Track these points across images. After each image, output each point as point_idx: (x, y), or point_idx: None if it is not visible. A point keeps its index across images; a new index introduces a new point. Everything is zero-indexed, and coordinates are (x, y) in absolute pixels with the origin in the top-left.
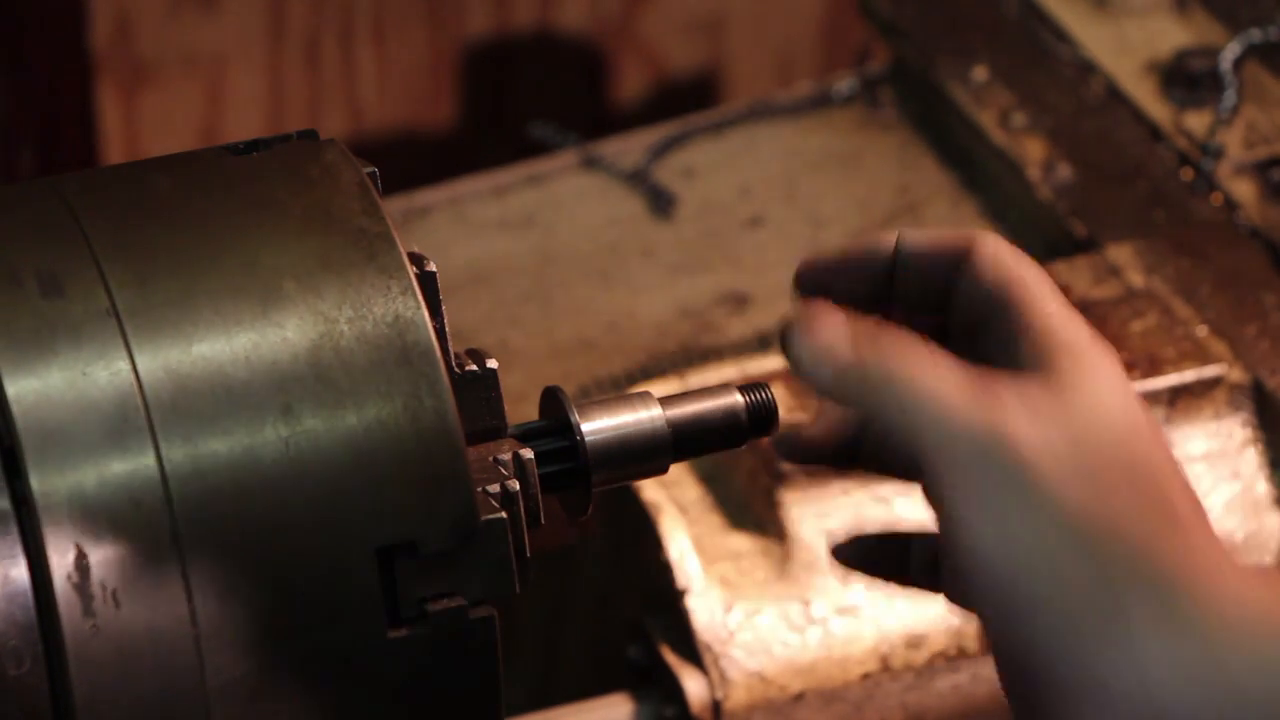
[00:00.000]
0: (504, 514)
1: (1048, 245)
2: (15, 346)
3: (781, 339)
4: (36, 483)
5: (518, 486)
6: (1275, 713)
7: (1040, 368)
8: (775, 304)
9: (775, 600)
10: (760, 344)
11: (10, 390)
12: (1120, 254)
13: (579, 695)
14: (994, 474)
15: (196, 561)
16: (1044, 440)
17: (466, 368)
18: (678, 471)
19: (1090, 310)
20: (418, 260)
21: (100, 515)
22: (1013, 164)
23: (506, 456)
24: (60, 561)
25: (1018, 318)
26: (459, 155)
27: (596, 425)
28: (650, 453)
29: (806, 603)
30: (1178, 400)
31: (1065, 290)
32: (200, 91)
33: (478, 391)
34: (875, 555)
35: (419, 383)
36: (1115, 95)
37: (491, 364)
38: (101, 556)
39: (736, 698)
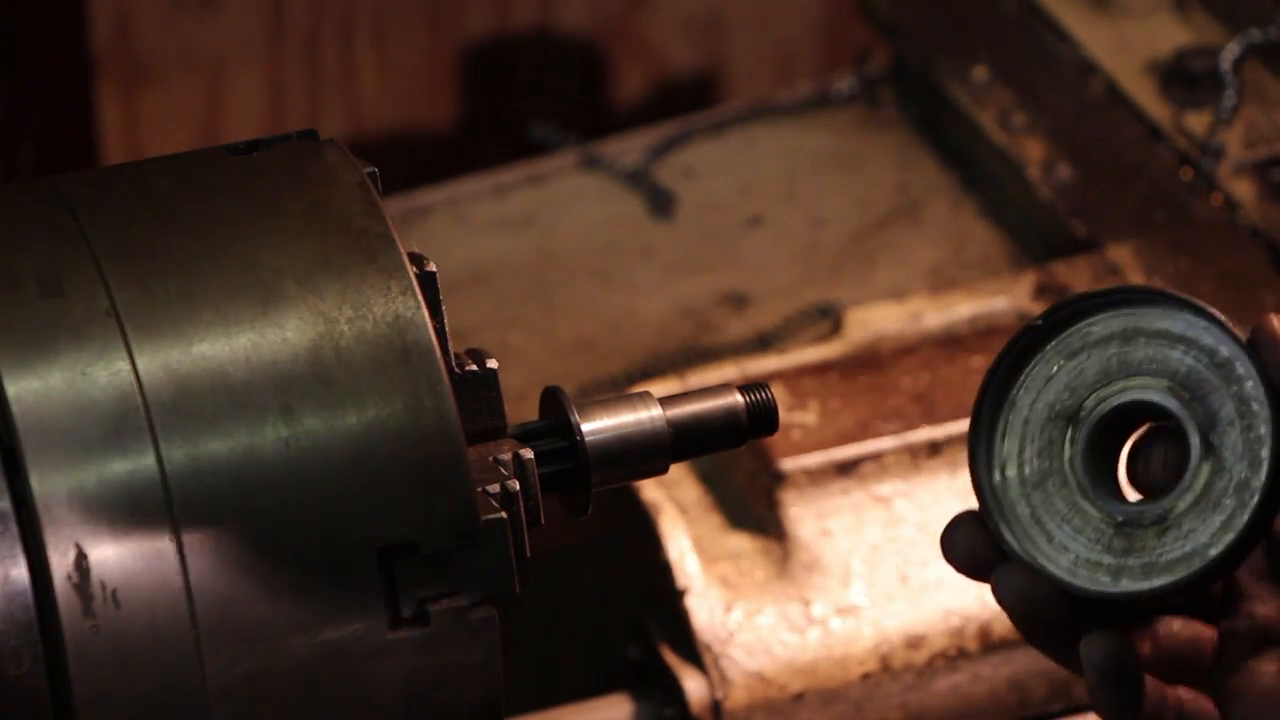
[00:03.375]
0: (504, 514)
1: (1048, 245)
2: (15, 347)
3: None
4: (36, 483)
5: (518, 486)
6: None
7: None
8: (775, 304)
9: (775, 600)
10: (760, 344)
11: (10, 390)
12: (1120, 254)
13: (579, 695)
14: None
15: (196, 561)
16: None
17: (466, 368)
18: (678, 471)
19: None
20: (418, 260)
21: (100, 515)
22: (1013, 164)
23: (506, 456)
24: (60, 561)
25: None
26: (459, 155)
27: (596, 425)
28: (650, 453)
29: (806, 603)
30: None
31: (1065, 290)
32: (200, 91)
33: (478, 391)
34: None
35: (419, 383)
36: (1115, 95)
37: (491, 364)
38: (101, 556)
39: (736, 698)
